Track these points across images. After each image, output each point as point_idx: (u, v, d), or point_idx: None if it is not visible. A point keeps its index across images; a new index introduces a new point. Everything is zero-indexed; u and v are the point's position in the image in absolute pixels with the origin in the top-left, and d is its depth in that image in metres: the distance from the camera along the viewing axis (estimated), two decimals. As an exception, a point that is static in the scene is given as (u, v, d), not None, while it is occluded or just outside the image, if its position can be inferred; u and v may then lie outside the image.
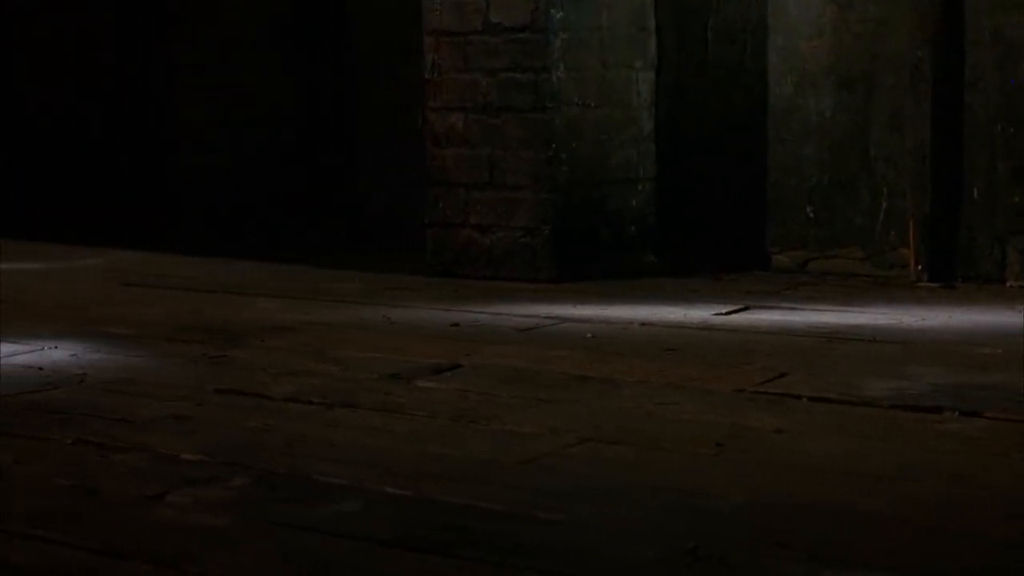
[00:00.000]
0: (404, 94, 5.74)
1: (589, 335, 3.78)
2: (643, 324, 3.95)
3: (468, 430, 2.81)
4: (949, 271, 4.58)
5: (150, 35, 6.56)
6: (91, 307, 4.41)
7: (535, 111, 4.72)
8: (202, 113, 6.42)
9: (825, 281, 4.70)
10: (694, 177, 5.07)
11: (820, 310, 4.15)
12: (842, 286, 4.61)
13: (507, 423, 2.85)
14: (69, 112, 6.84)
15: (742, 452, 2.63)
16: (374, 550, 2.11)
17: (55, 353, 3.65)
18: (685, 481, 2.46)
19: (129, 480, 2.50)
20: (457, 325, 3.97)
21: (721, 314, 4.10)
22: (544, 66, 4.69)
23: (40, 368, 3.46)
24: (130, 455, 2.65)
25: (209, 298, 4.57)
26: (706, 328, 3.87)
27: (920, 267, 4.61)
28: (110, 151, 6.72)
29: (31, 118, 6.97)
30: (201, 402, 3.08)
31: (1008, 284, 4.49)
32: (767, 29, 4.90)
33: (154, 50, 6.56)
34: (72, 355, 3.63)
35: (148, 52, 6.59)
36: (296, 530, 2.22)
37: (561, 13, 4.70)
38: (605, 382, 3.20)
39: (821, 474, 2.50)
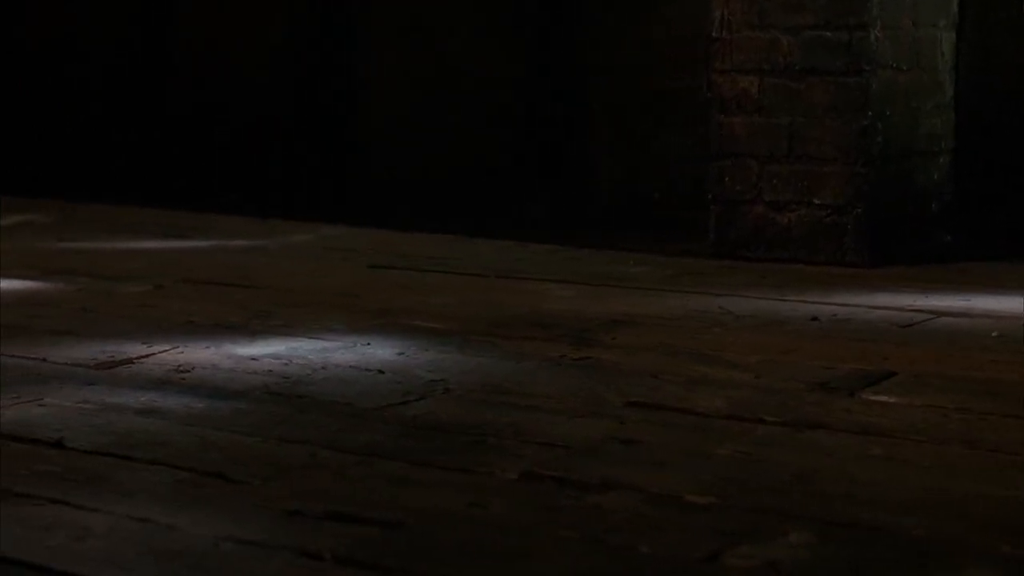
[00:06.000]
0: (643, 55, 5.21)
1: (995, 334, 3.24)
2: (1037, 320, 3.42)
3: (1001, 462, 2.28)
4: None
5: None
6: (363, 295, 3.89)
7: (848, 74, 4.17)
8: (400, 77, 5.88)
9: None
10: (996, 149, 4.54)
11: None
12: None
13: (1039, 453, 2.32)
14: (246, 78, 6.32)
15: None
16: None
17: (377, 351, 3.14)
18: None
19: (646, 532, 1.97)
20: (817, 319, 3.45)
21: (1106, 308, 3.57)
22: (861, 23, 4.15)
23: (380, 371, 2.94)
24: (614, 496, 2.12)
25: (486, 284, 4.06)
26: (1118, 325, 3.34)
27: None
28: (294, 121, 6.19)
29: (207, 87, 6.45)
30: (623, 420, 2.55)
31: None
32: (1098, -17, 4.35)
33: (344, 10, 6.03)
34: (399, 353, 3.11)
35: (338, 11, 6.05)
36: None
37: (875, -35, 4.16)
38: (1092, 397, 2.67)
39: None
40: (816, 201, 4.24)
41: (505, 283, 4.05)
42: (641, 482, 2.17)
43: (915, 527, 1.96)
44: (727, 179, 4.37)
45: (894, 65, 4.23)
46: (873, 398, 2.67)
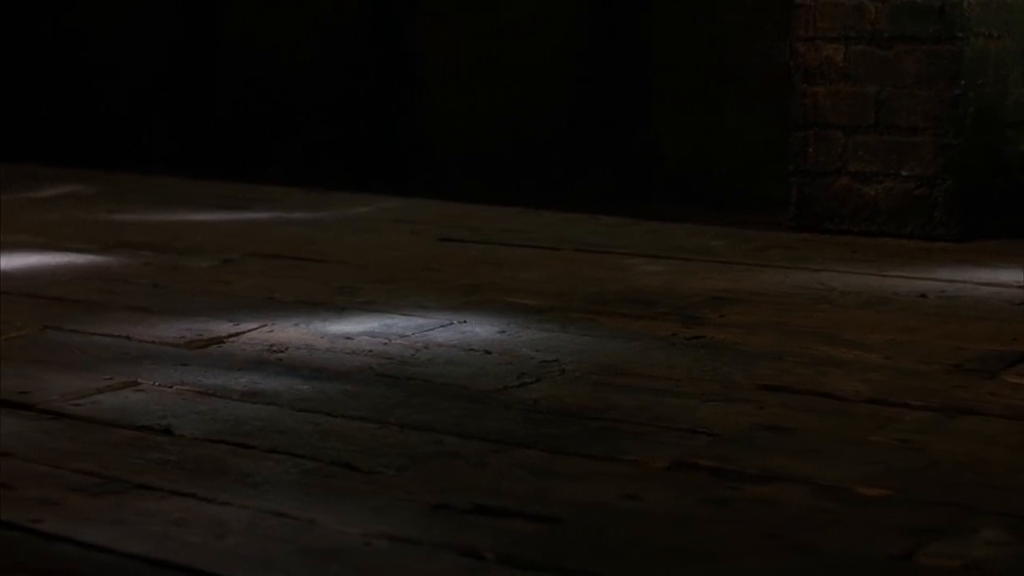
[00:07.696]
0: (711, 24, 5.07)
1: (1117, 312, 3.12)
2: None
3: None
4: None
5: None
6: (443, 269, 3.76)
7: (939, 42, 4.03)
8: (455, 51, 5.74)
9: None
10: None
11: None
12: None
13: None
14: (296, 52, 6.18)
15: None
16: None
17: (476, 330, 3.01)
18: None
19: (826, 527, 1.84)
20: (925, 296, 3.32)
21: None
22: (953, -12, 4.01)
23: (486, 351, 2.82)
24: (779, 487, 2.00)
25: (567, 257, 3.93)
26: None
27: None
28: (345, 93, 6.06)
29: (253, 61, 6.31)
30: (761, 404, 2.43)
31: None
32: None
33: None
34: (500, 331, 2.99)
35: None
36: None
37: (966, -74, 4.02)
38: None
39: None
40: (904, 173, 4.11)
41: (586, 256, 3.93)
42: (804, 472, 2.05)
43: (1115, 524, 1.83)
44: (810, 150, 4.24)
45: (985, 32, 4.10)
46: (1018, 381, 2.54)
